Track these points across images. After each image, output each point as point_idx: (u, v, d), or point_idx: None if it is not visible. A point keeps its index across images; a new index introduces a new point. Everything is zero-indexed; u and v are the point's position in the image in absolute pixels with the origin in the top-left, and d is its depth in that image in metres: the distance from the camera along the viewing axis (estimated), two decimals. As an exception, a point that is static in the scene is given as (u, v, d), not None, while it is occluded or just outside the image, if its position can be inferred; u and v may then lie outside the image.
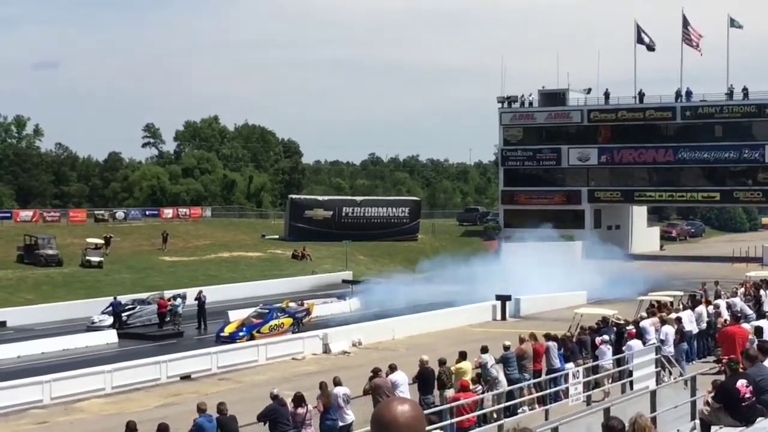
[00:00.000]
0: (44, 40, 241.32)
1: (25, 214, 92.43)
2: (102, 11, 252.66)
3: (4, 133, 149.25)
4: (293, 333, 49.50)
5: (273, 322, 50.43)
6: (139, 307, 56.10)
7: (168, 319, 54.32)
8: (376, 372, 26.37)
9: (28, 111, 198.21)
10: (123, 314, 55.02)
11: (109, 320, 54.03)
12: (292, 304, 54.48)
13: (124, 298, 58.11)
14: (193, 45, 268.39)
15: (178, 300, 54.77)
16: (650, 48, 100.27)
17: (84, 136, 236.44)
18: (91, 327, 53.12)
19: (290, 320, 51.47)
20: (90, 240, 78.00)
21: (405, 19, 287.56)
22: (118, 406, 34.93)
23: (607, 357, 30.55)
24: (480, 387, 26.68)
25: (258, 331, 48.98)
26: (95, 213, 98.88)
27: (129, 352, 45.92)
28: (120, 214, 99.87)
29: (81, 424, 32.66)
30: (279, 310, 52.13)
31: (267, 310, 51.93)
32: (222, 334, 48.84)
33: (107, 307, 55.70)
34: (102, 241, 78.34)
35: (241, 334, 48.54)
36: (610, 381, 30.02)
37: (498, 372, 27.83)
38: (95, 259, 75.16)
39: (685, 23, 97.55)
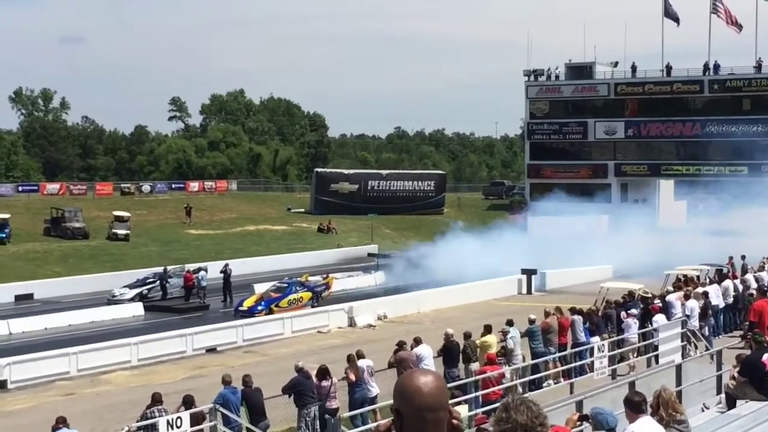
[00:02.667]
0: (70, 14, 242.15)
1: (52, 187, 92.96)
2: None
3: (31, 106, 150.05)
4: (312, 307, 49.47)
5: (292, 296, 50.40)
6: (159, 281, 56.10)
7: (195, 291, 54.43)
8: (400, 345, 26.40)
9: (54, 84, 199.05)
10: (144, 288, 55.03)
11: (130, 294, 53.97)
12: (311, 278, 54.51)
13: (146, 272, 58.22)
14: (219, 19, 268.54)
15: (201, 273, 54.88)
16: (674, 19, 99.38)
17: (110, 109, 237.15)
18: (112, 300, 53.13)
19: (309, 294, 51.43)
20: (116, 213, 78.32)
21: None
22: (144, 378, 35.09)
23: (632, 331, 30.47)
24: (503, 359, 26.73)
25: (277, 305, 48.96)
26: (122, 186, 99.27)
27: (155, 324, 46.13)
28: (146, 187, 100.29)
29: (107, 395, 32.83)
30: (298, 284, 52.12)
31: (286, 284, 51.92)
32: (240, 308, 48.83)
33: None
34: (128, 214, 78.62)
35: (259, 308, 48.54)
36: (635, 355, 29.97)
37: (515, 345, 27.78)
38: (122, 232, 75.51)
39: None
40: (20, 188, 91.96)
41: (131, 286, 54.94)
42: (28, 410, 30.88)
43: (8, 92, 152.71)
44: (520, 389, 25.42)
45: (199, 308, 52.35)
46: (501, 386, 24.40)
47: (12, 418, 30.14)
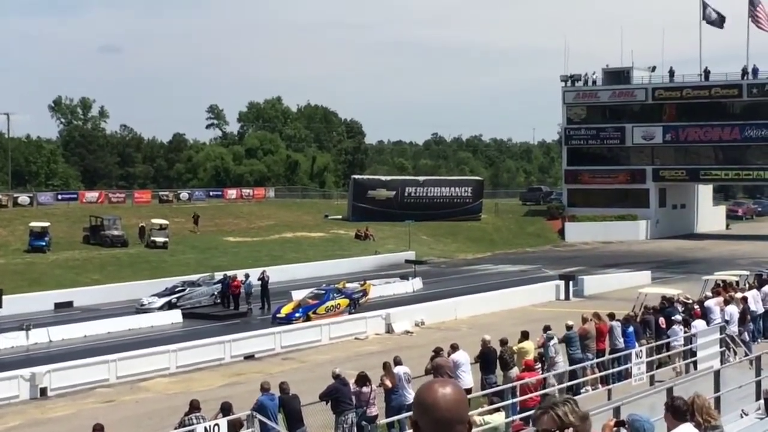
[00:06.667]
0: (109, 24, 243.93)
1: (91, 195, 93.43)
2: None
3: (70, 115, 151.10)
4: (349, 314, 49.46)
5: (329, 303, 50.34)
6: (189, 289, 55.87)
7: (242, 297, 54.24)
8: (437, 351, 26.36)
9: (93, 93, 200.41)
10: (173, 296, 54.79)
11: (159, 302, 53.82)
12: (349, 285, 54.49)
13: (174, 280, 58.28)
14: (256, 27, 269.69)
15: (250, 280, 54.85)
16: (714, 23, 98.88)
17: (148, 117, 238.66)
18: (140, 309, 53.02)
19: (346, 301, 51.38)
20: (155, 221, 78.65)
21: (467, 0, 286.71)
22: (182, 385, 35.21)
23: (679, 337, 30.28)
24: (539, 365, 26.66)
25: (314, 312, 48.92)
26: (160, 194, 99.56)
27: (193, 331, 46.26)
28: (184, 195, 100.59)
29: (146, 402, 32.98)
30: (335, 291, 52.04)
31: (323, 291, 51.87)
32: (278, 315, 48.82)
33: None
34: (167, 222, 78.88)
35: (297, 315, 48.51)
36: (679, 360, 29.83)
37: (557, 353, 27.69)
38: (160, 239, 75.74)
39: (752, 1, 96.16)
40: (60, 196, 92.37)
41: (160, 295, 54.85)
42: (68, 417, 31.07)
43: (48, 101, 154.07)
44: (557, 394, 25.32)
45: (237, 315, 52.39)
46: (539, 392, 24.34)
47: (52, 425, 30.36)
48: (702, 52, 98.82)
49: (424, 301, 52.28)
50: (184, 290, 55.37)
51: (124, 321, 49.22)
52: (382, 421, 23.67)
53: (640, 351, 27.18)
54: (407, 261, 70.84)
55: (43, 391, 33.92)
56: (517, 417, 22.49)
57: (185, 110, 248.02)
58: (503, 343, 27.99)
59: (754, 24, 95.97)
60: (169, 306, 53.28)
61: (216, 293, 55.54)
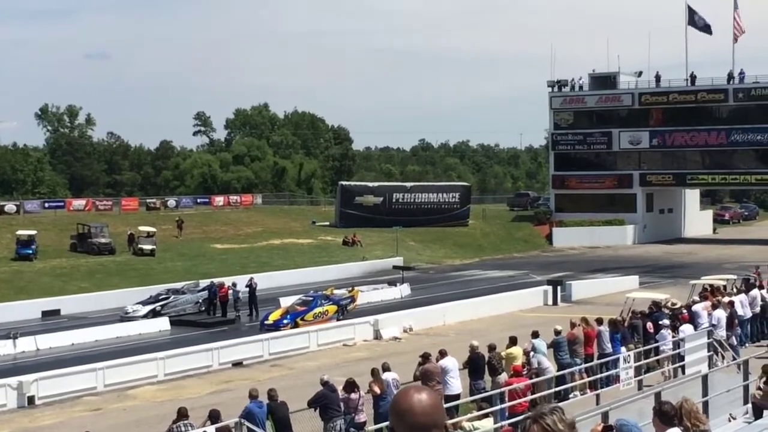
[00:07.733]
0: (95, 31, 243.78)
1: (78, 203, 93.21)
2: (154, 1, 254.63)
3: (56, 122, 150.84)
4: (338, 320, 49.38)
5: (317, 310, 50.25)
6: (173, 296, 55.59)
7: (230, 304, 54.07)
8: (426, 357, 26.33)
9: (80, 101, 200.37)
10: (158, 304, 54.55)
11: (144, 310, 53.62)
12: (337, 291, 54.43)
13: (161, 287, 58.09)
14: (243, 34, 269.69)
15: (239, 286, 54.72)
16: (703, 29, 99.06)
17: (135, 125, 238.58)
18: (125, 317, 52.75)
19: (334, 308, 51.29)
20: (142, 228, 78.50)
21: (454, 6, 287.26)
22: (170, 392, 35.12)
23: (668, 341, 30.32)
24: (526, 371, 26.67)
25: (302, 319, 48.82)
26: (147, 201, 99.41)
27: (181, 339, 46.18)
28: (171, 202, 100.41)
29: (134, 410, 32.88)
30: (323, 297, 51.93)
31: (311, 298, 51.73)
32: (266, 322, 48.70)
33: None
34: (154, 230, 78.75)
35: (285, 321, 48.39)
36: (668, 364, 29.87)
37: (541, 361, 27.67)
38: (147, 247, 75.59)
39: (735, 5, 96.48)
40: (47, 204, 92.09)
41: (144, 303, 54.66)
42: (56, 426, 30.98)
43: (34, 109, 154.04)
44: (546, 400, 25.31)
45: (225, 322, 52.28)
46: (527, 398, 24.34)
47: (39, 434, 30.26)
48: (688, 57, 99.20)
49: (413, 307, 52.20)
50: (168, 298, 55.16)
51: (112, 329, 49.07)
52: (371, 427, 23.62)
53: (628, 356, 27.20)
54: (395, 267, 70.79)
55: (31, 400, 33.80)
56: (505, 422, 22.46)
57: (172, 117, 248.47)
58: (491, 348, 27.97)
59: (735, 32, 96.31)
60: (154, 314, 53.08)
61: (201, 301, 55.42)
